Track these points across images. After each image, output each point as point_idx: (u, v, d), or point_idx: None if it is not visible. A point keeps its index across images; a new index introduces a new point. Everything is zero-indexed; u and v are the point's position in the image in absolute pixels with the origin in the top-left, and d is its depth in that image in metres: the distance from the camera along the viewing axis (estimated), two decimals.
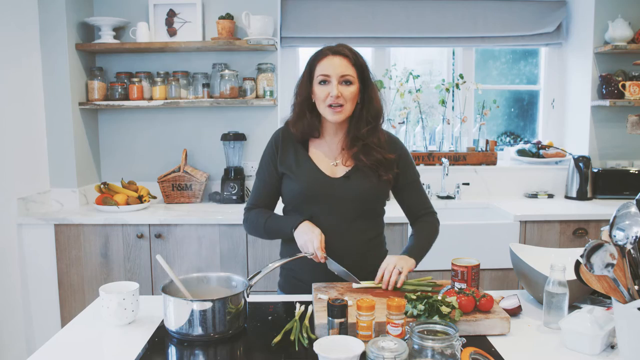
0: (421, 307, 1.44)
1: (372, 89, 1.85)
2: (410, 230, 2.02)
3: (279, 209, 1.99)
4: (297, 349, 1.41)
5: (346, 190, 1.83)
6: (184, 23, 3.40)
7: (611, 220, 1.28)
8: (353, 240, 1.85)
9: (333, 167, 1.88)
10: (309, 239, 1.74)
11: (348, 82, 1.77)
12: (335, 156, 1.89)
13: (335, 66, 1.76)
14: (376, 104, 1.85)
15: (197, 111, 3.53)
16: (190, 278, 1.65)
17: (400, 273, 1.72)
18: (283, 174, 1.89)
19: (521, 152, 3.82)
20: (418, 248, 1.89)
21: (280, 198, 1.97)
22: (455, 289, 1.62)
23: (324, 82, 1.77)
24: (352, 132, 1.85)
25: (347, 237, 1.84)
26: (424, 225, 1.97)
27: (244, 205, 3.22)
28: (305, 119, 1.85)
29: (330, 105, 1.77)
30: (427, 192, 2.08)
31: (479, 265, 1.69)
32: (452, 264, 1.70)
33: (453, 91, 3.83)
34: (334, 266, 1.76)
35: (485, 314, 1.49)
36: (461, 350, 1.22)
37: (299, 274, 1.90)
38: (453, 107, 3.88)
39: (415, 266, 1.81)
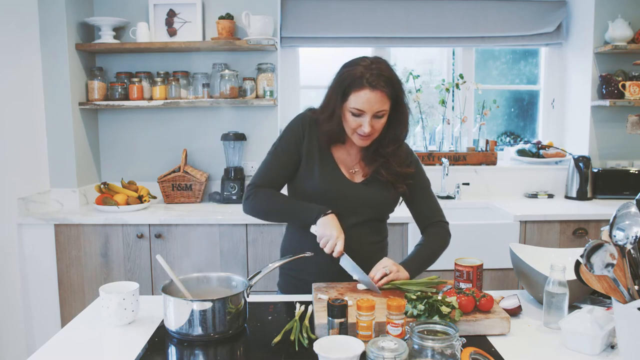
0: (421, 307, 1.44)
1: (403, 110, 1.81)
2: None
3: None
4: (297, 349, 1.41)
5: (363, 196, 1.85)
6: (184, 23, 3.40)
7: (611, 220, 1.28)
8: (358, 242, 1.84)
9: (351, 173, 1.88)
10: (335, 235, 1.72)
11: (381, 116, 1.74)
12: (354, 164, 1.89)
13: (371, 103, 1.69)
14: (403, 125, 1.83)
15: (197, 111, 3.53)
16: (190, 278, 1.65)
17: (386, 275, 1.72)
18: (301, 161, 1.86)
19: (521, 152, 3.83)
20: (418, 262, 1.86)
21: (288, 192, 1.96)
22: (455, 289, 1.62)
23: (356, 115, 1.73)
24: (374, 147, 1.84)
25: (353, 239, 1.82)
26: (433, 238, 1.94)
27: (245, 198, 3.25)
28: (334, 130, 1.81)
29: (359, 134, 1.76)
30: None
31: (482, 264, 1.69)
32: (456, 264, 1.71)
33: (453, 91, 3.83)
34: (348, 263, 1.74)
35: (485, 314, 1.49)
36: (461, 350, 1.22)
37: (301, 274, 1.90)
38: (453, 107, 3.88)
39: (409, 279, 1.78)
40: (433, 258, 1.90)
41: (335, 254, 1.72)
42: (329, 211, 1.77)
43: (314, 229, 1.77)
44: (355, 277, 1.74)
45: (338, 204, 1.82)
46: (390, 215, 2.01)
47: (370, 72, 1.69)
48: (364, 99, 1.69)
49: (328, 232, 1.73)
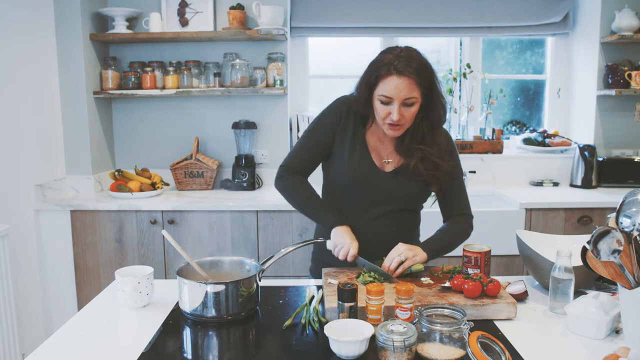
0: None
1: (436, 96, 1.74)
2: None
3: (314, 182, 1.96)
4: (307, 332, 1.44)
5: (391, 187, 1.82)
6: (195, 13, 3.44)
7: (618, 207, 1.29)
8: (388, 231, 1.84)
9: (384, 162, 1.85)
10: (348, 242, 1.73)
11: (411, 104, 1.69)
12: (387, 154, 1.86)
13: (399, 90, 1.65)
14: (437, 112, 1.77)
15: (208, 100, 3.57)
16: (203, 261, 1.68)
17: (402, 262, 1.69)
18: (334, 149, 1.85)
19: (527, 141, 3.86)
20: (437, 245, 1.82)
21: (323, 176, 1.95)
22: (463, 274, 1.64)
23: (385, 102, 1.69)
24: (407, 141, 1.80)
25: (382, 227, 1.83)
26: (455, 226, 1.90)
27: (255, 192, 3.31)
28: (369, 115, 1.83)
29: (389, 123, 1.73)
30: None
31: (490, 251, 1.72)
32: (464, 250, 1.73)
33: (460, 80, 3.86)
34: (364, 262, 1.74)
35: (492, 298, 1.51)
36: (469, 334, 1.24)
37: (333, 260, 1.86)
38: (460, 96, 3.91)
39: (427, 261, 1.76)
40: (452, 246, 1.86)
41: (349, 259, 1.72)
42: (343, 222, 1.78)
43: (329, 245, 1.79)
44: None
45: (365, 193, 1.82)
46: None
47: (398, 60, 1.65)
48: (391, 86, 1.65)
49: (341, 240, 1.74)
